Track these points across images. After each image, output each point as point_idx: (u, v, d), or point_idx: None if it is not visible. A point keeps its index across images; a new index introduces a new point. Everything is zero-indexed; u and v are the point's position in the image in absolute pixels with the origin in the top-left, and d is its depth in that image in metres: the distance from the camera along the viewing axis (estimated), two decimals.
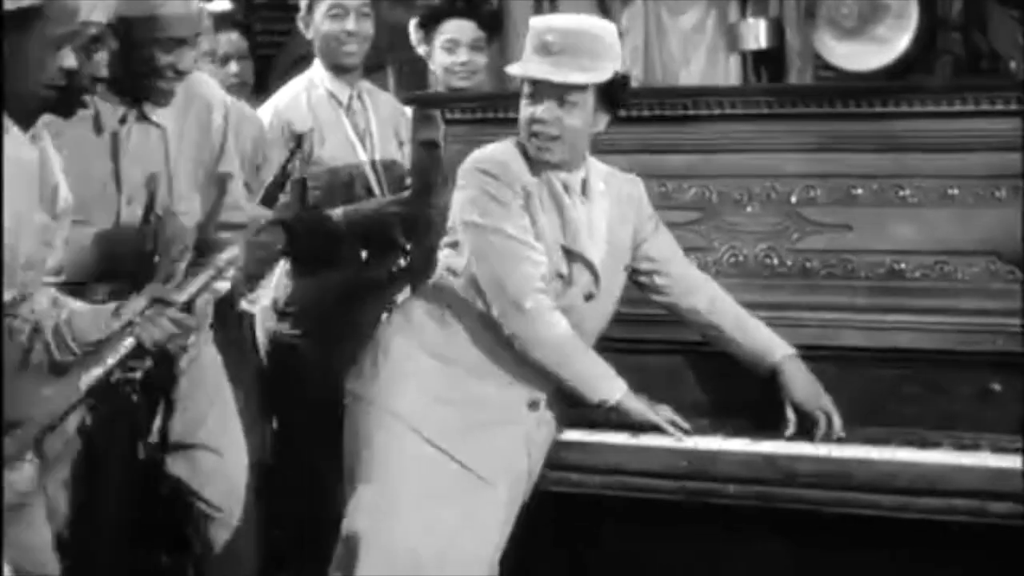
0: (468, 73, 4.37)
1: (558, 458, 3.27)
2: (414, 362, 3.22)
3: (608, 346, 3.31)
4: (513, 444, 3.20)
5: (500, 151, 3.24)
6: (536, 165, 3.23)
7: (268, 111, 4.19)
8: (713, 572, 3.33)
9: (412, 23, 4.50)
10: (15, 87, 2.35)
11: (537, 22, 3.24)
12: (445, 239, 3.33)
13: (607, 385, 3.21)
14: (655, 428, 3.22)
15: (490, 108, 3.66)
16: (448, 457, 3.15)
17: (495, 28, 4.58)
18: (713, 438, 3.24)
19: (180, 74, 3.27)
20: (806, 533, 3.19)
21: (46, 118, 2.62)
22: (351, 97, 4.23)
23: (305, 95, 4.18)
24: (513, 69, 3.22)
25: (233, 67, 4.40)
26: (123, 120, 3.31)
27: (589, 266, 3.25)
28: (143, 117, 3.33)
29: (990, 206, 3.34)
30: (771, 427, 3.25)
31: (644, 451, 3.21)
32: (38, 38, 2.35)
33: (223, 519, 3.49)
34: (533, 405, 3.23)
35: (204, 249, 3.26)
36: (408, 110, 4.17)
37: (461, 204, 3.24)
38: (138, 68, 3.23)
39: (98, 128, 3.28)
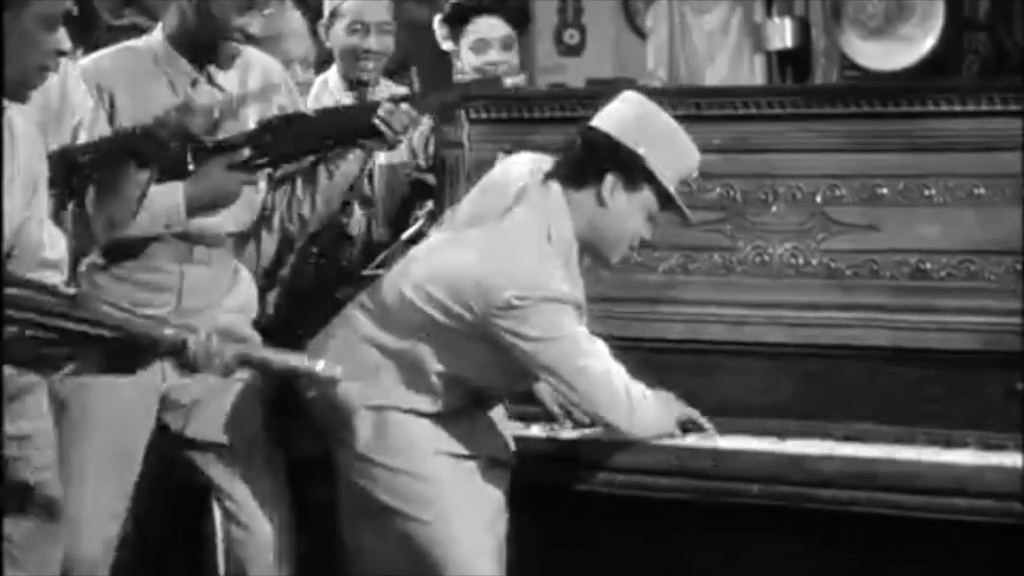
0: (502, 74, 4.30)
1: (580, 456, 3.27)
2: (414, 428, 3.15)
3: (633, 345, 3.31)
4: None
5: (545, 271, 3.07)
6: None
7: None
8: (736, 572, 3.32)
9: (437, 19, 4.43)
10: (11, 67, 2.36)
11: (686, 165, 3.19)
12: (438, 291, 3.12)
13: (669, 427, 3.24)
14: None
15: (515, 107, 3.66)
16: (474, 456, 3.16)
17: (523, 24, 4.48)
18: (738, 438, 3.24)
19: (249, 38, 3.34)
20: (831, 533, 3.18)
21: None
22: None
23: (314, 104, 4.12)
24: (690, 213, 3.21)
25: None
26: (194, 83, 3.37)
27: None
28: (211, 80, 3.39)
29: (1016, 206, 3.32)
30: (796, 427, 3.25)
31: (668, 450, 3.21)
32: (30, 17, 2.35)
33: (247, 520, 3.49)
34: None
35: None
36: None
37: (514, 323, 3.04)
38: (208, 29, 3.30)
39: (173, 91, 3.35)
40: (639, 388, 3.13)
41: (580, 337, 3.08)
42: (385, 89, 4.19)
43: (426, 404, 3.12)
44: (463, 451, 3.14)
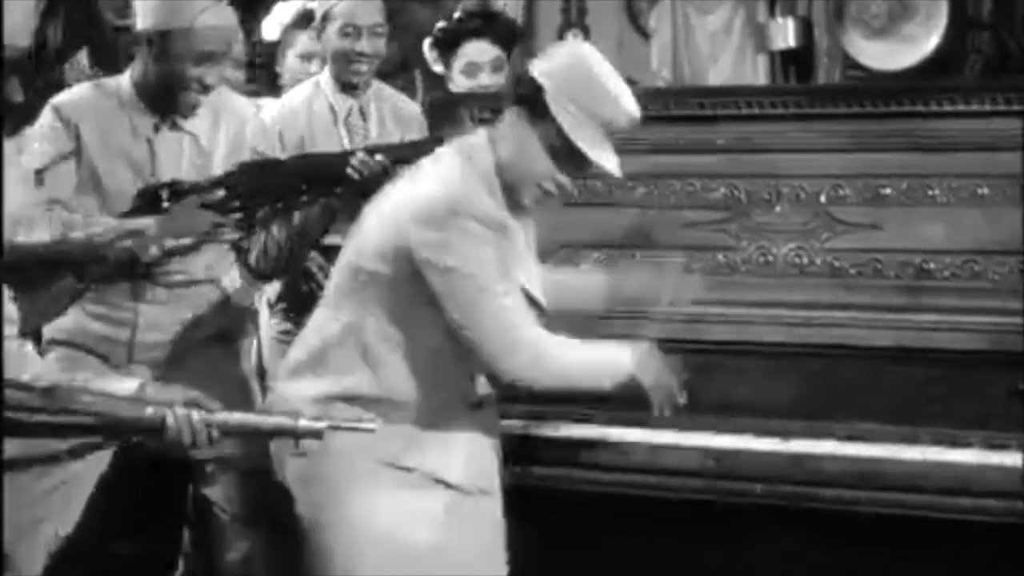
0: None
1: (583, 457, 3.27)
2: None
3: None
4: (484, 449, 3.12)
5: (466, 186, 2.99)
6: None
7: (271, 112, 4.10)
8: (740, 572, 3.33)
9: (426, 44, 4.45)
10: None
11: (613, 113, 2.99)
12: (360, 265, 3.03)
13: (620, 371, 3.08)
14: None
15: None
16: (442, 484, 3.03)
17: (512, 45, 4.47)
18: (741, 437, 3.24)
19: (206, 88, 3.38)
20: (835, 533, 3.19)
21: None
22: (350, 111, 4.15)
23: (307, 105, 4.15)
24: (596, 158, 2.98)
25: (313, 67, 4.48)
26: (156, 129, 3.43)
27: (536, 303, 3.11)
28: (175, 126, 3.44)
29: (1020, 205, 3.33)
30: (799, 427, 3.25)
31: (671, 450, 3.22)
32: None
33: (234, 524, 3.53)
34: (476, 405, 3.11)
35: None
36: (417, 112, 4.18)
37: (432, 247, 2.94)
38: (166, 80, 3.36)
39: (134, 134, 3.41)
40: (553, 337, 2.99)
41: (495, 277, 2.94)
42: (378, 91, 4.21)
43: (373, 388, 2.98)
44: (405, 462, 3.00)
